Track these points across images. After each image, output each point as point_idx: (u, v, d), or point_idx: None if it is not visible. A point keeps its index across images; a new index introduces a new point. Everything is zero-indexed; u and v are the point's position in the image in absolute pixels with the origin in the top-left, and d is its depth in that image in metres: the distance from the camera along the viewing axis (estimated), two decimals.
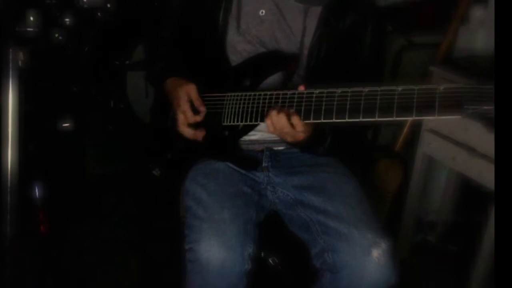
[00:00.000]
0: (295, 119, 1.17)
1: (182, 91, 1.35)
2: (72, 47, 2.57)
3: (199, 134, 1.36)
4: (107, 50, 2.71)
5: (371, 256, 1.19)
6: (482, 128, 1.66)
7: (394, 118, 1.05)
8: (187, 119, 1.34)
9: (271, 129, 1.21)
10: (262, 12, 1.40)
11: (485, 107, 0.95)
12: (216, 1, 1.42)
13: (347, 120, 1.11)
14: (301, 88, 1.19)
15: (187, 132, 1.36)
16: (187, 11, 1.51)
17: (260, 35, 1.41)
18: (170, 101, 1.41)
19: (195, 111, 1.35)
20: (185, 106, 1.34)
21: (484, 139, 1.69)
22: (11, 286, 1.56)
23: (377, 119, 1.07)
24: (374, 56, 1.44)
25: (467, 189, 2.07)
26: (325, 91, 1.16)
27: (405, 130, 2.15)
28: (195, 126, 1.36)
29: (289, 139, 1.24)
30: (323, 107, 1.14)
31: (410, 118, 1.04)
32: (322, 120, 1.15)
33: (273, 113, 1.19)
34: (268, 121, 1.21)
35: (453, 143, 1.83)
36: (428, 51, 2.24)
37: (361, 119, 1.09)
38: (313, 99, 1.17)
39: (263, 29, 1.41)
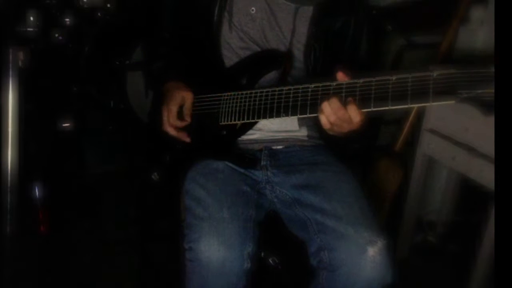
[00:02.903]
0: (352, 107, 1.11)
1: (179, 95, 1.38)
2: (72, 47, 2.57)
3: (182, 135, 1.38)
4: (107, 50, 2.71)
5: (367, 255, 1.19)
6: (481, 125, 1.66)
7: (390, 107, 1.06)
8: (168, 119, 1.37)
9: (332, 118, 1.14)
10: (253, 10, 1.42)
11: (479, 91, 0.96)
12: None
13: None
14: (342, 77, 1.14)
15: (170, 130, 1.38)
16: (183, 8, 1.51)
17: (251, 33, 1.43)
18: (163, 99, 1.42)
19: (181, 117, 1.38)
20: (172, 107, 1.36)
21: (484, 139, 1.69)
22: (11, 286, 1.56)
23: (372, 109, 1.08)
24: (370, 56, 1.45)
25: (467, 189, 2.07)
26: (320, 85, 1.17)
27: (405, 130, 2.15)
28: (183, 128, 1.38)
29: (346, 127, 1.16)
30: (319, 101, 1.16)
31: (405, 106, 1.05)
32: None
33: (327, 102, 1.13)
34: (326, 107, 1.14)
35: (453, 143, 1.83)
36: (428, 51, 2.24)
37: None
38: (309, 94, 1.18)
39: (253, 27, 1.43)
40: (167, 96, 1.40)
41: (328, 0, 1.41)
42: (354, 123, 1.14)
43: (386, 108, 1.07)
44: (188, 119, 1.38)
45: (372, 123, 1.22)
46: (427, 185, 2.18)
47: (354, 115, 1.12)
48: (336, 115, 1.13)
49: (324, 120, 1.15)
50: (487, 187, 1.67)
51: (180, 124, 1.38)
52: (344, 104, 1.12)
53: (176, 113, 1.37)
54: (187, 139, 1.39)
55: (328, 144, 1.48)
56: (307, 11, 1.41)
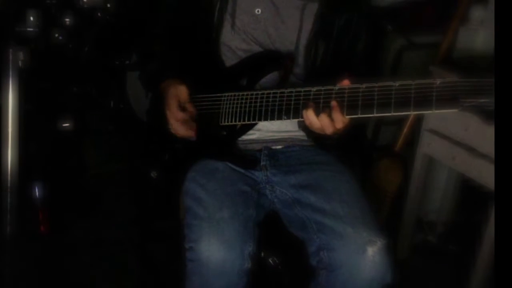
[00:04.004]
0: (336, 114, 1.13)
1: (173, 91, 1.37)
2: (72, 47, 2.56)
3: (190, 131, 1.36)
4: (107, 50, 2.70)
5: (366, 254, 1.19)
6: (481, 125, 1.66)
7: (392, 114, 1.06)
8: (174, 116, 1.35)
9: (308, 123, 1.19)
10: (258, 11, 1.41)
11: (481, 100, 0.96)
12: None
13: (345, 116, 1.13)
14: (346, 83, 1.15)
15: (177, 129, 1.37)
16: (182, 8, 1.51)
17: (255, 34, 1.42)
18: (163, 101, 1.41)
19: (184, 110, 1.36)
20: (172, 104, 1.35)
21: (484, 139, 1.69)
22: (11, 286, 1.56)
23: (375, 115, 1.08)
24: (370, 55, 1.45)
25: (467, 189, 2.07)
26: (323, 88, 1.17)
27: (405, 130, 2.15)
28: (185, 120, 1.37)
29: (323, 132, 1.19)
30: (321, 105, 1.16)
31: (408, 113, 1.05)
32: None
33: (310, 111, 1.16)
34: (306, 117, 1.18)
35: (453, 143, 1.83)
36: (428, 51, 2.24)
37: (359, 115, 1.11)
38: (311, 97, 1.18)
39: (258, 28, 1.42)
40: (164, 96, 1.39)
41: None
42: (335, 129, 1.16)
43: (389, 114, 1.07)
44: (190, 109, 1.36)
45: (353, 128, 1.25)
46: (427, 185, 2.18)
47: (338, 121, 1.14)
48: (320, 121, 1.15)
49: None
50: (487, 187, 1.67)
51: (185, 116, 1.36)
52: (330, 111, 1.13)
53: (178, 108, 1.35)
54: (194, 137, 1.38)
55: (307, 134, 1.47)
56: (313, 7, 1.40)
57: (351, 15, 1.41)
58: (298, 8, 1.40)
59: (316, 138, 1.42)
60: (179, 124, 1.36)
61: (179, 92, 1.36)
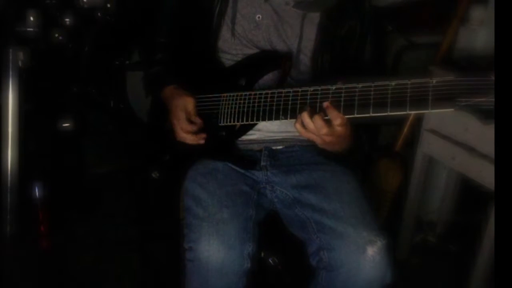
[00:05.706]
0: (332, 112, 1.12)
1: (180, 104, 1.37)
2: (72, 47, 2.56)
3: (199, 138, 1.37)
4: (107, 50, 2.70)
5: (366, 254, 1.19)
6: (481, 125, 1.65)
7: (388, 113, 1.06)
8: (183, 128, 1.37)
9: (303, 132, 1.18)
10: (259, 17, 1.41)
11: (477, 100, 0.96)
12: (210, 3, 1.42)
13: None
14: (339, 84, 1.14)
15: (186, 138, 1.37)
16: (181, 13, 1.51)
17: (255, 40, 1.42)
18: (168, 107, 1.42)
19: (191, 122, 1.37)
20: (181, 116, 1.36)
21: (484, 139, 1.69)
22: (11, 286, 1.56)
23: (371, 114, 1.08)
24: (376, 60, 1.45)
25: (467, 189, 2.07)
26: (319, 88, 1.17)
27: (405, 130, 2.15)
28: (193, 132, 1.38)
29: (327, 139, 1.17)
30: (318, 105, 1.16)
31: (404, 113, 1.05)
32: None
33: (305, 114, 1.15)
34: (297, 125, 1.17)
35: (453, 143, 1.83)
36: (428, 51, 2.24)
37: (355, 115, 1.11)
38: (308, 97, 1.18)
39: (258, 34, 1.42)
40: (171, 105, 1.40)
41: (335, 6, 1.40)
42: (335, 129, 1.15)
43: (385, 114, 1.07)
44: (198, 121, 1.37)
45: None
46: (427, 185, 2.18)
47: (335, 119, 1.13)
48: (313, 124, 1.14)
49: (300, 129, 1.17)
50: (487, 187, 1.67)
51: (192, 128, 1.37)
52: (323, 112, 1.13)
53: (185, 119, 1.36)
54: (202, 141, 1.38)
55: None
56: (315, 17, 1.40)
57: (353, 23, 1.40)
58: (299, 17, 1.40)
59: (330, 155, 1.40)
60: (189, 135, 1.37)
61: (187, 103, 1.37)
